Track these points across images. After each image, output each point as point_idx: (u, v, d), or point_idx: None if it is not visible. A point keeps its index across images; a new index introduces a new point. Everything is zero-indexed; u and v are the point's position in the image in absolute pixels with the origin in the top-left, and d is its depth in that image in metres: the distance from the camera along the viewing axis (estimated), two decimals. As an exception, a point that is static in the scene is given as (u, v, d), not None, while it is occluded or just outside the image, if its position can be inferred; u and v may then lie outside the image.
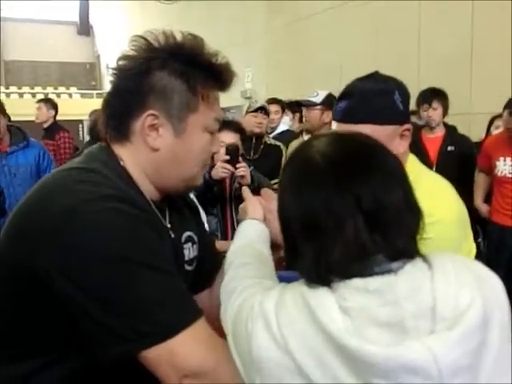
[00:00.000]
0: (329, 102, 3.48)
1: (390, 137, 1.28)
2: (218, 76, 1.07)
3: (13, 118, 5.37)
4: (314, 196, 0.80)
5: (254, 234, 1.13)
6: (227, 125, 2.66)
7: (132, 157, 1.06)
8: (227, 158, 2.50)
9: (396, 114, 1.30)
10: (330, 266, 0.78)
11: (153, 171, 1.07)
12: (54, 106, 5.83)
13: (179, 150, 1.06)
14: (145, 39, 1.04)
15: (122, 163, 1.06)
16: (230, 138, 2.64)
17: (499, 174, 3.49)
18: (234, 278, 0.98)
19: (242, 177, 2.54)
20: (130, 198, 1.00)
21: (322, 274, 0.79)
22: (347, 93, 1.33)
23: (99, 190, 0.96)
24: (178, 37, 1.05)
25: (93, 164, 1.03)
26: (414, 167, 1.31)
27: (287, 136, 4.42)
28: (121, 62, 1.05)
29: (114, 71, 1.06)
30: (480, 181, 3.75)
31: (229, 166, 2.50)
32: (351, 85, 1.35)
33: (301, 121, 4.98)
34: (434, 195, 1.19)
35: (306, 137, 3.91)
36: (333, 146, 0.85)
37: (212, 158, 2.30)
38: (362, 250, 0.77)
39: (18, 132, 3.68)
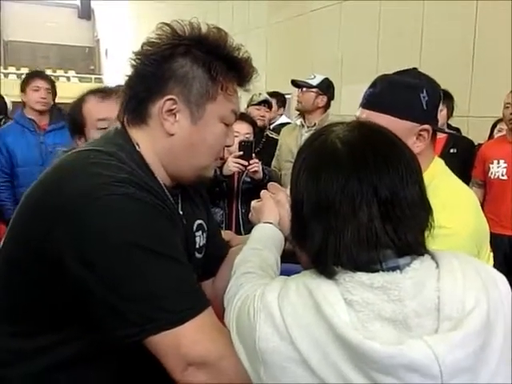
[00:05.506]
0: (324, 86, 3.49)
1: (406, 133, 1.24)
2: (238, 69, 1.09)
3: (11, 99, 5.38)
4: (332, 179, 0.79)
5: (265, 239, 1.12)
6: (242, 116, 2.63)
7: (148, 141, 1.07)
8: (240, 153, 2.48)
9: (417, 111, 1.26)
10: (338, 249, 0.77)
11: (167, 157, 1.08)
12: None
13: (194, 136, 1.07)
14: (171, 27, 1.06)
15: (137, 148, 1.07)
16: (244, 128, 2.62)
17: (492, 176, 3.37)
18: (235, 286, 0.98)
19: (255, 172, 2.52)
20: (145, 183, 1.00)
21: (329, 260, 0.78)
22: (376, 80, 1.31)
23: (115, 175, 0.96)
24: (204, 28, 1.07)
25: (110, 147, 1.04)
26: (436, 173, 1.28)
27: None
28: (145, 48, 1.06)
29: (138, 56, 1.07)
30: None
31: (242, 161, 2.48)
32: (383, 75, 1.33)
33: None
34: (451, 207, 1.16)
35: (297, 120, 3.72)
36: (354, 134, 0.84)
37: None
38: (373, 238, 0.77)
39: (59, 113, 3.84)
